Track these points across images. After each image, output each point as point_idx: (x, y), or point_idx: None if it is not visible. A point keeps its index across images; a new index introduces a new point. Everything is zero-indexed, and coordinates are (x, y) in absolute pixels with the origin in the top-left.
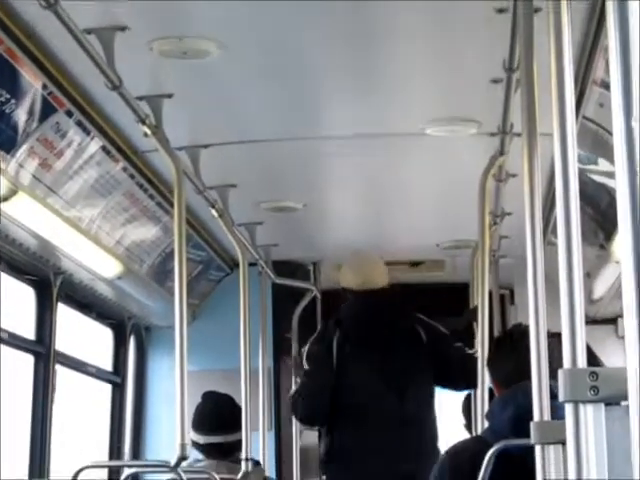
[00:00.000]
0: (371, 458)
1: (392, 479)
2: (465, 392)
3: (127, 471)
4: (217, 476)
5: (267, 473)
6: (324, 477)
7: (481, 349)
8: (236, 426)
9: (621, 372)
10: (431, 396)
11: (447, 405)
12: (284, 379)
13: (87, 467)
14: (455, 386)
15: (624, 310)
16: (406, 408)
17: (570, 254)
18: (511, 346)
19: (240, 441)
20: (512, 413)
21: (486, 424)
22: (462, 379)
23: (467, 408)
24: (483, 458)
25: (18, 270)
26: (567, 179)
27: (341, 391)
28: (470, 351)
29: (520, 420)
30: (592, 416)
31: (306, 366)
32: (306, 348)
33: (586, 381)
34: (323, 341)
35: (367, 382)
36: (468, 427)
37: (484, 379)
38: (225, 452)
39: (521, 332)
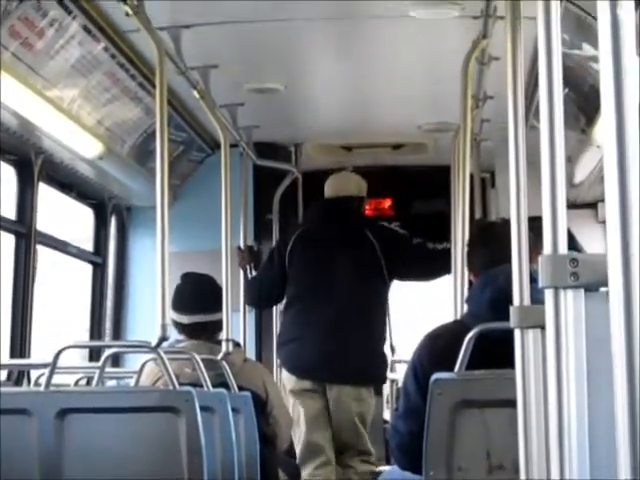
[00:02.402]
0: (315, 346)
1: (331, 366)
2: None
3: (108, 351)
4: (197, 356)
5: (247, 354)
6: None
7: (461, 232)
8: (216, 306)
9: (601, 258)
10: (379, 295)
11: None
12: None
13: (68, 347)
14: (425, 277)
15: (605, 196)
16: (353, 304)
17: (552, 137)
18: (488, 236)
19: (220, 321)
20: (490, 295)
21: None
22: (426, 274)
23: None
24: (462, 341)
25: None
26: (550, 62)
27: (293, 283)
28: (439, 246)
29: (498, 302)
30: (572, 302)
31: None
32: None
33: (566, 267)
34: (281, 242)
35: (314, 278)
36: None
37: (464, 264)
38: (205, 332)
39: (498, 223)
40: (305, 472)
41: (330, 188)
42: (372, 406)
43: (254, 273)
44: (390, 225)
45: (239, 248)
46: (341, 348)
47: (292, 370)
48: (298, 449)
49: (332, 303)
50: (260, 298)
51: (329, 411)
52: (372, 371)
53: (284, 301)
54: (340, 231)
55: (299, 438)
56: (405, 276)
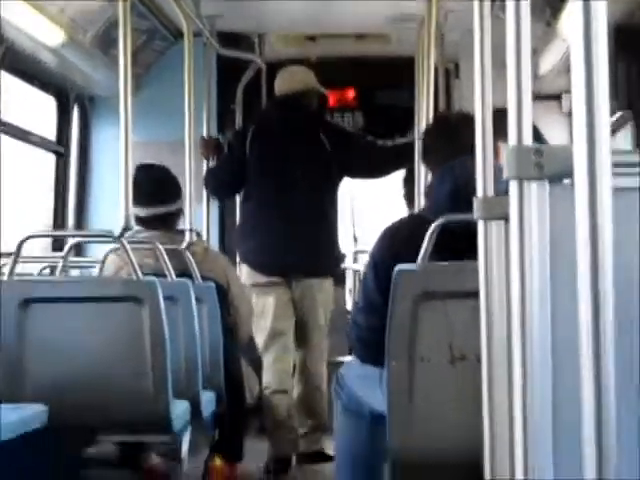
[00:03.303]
0: (274, 241)
1: (293, 260)
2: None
3: (71, 241)
4: (161, 246)
5: (210, 245)
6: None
7: (425, 124)
8: (173, 197)
9: (566, 150)
10: (330, 191)
11: (386, 182)
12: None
13: (31, 237)
14: (372, 175)
15: (572, 87)
16: (306, 199)
17: (518, 28)
18: (444, 129)
19: (179, 212)
20: (450, 187)
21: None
22: (374, 171)
23: (407, 179)
24: (421, 234)
25: None
26: None
27: (250, 176)
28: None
29: (458, 194)
30: (536, 193)
31: (225, 151)
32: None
33: (531, 158)
34: (240, 135)
35: (269, 174)
36: (407, 198)
37: None
38: (164, 223)
39: (454, 116)
40: (267, 357)
41: (279, 83)
42: (331, 295)
43: (211, 161)
44: (353, 116)
45: (202, 138)
46: (299, 242)
47: (255, 266)
48: (261, 338)
49: (287, 199)
50: (221, 187)
51: (294, 303)
52: (329, 262)
53: (242, 193)
54: (293, 129)
55: (263, 327)
56: (354, 173)
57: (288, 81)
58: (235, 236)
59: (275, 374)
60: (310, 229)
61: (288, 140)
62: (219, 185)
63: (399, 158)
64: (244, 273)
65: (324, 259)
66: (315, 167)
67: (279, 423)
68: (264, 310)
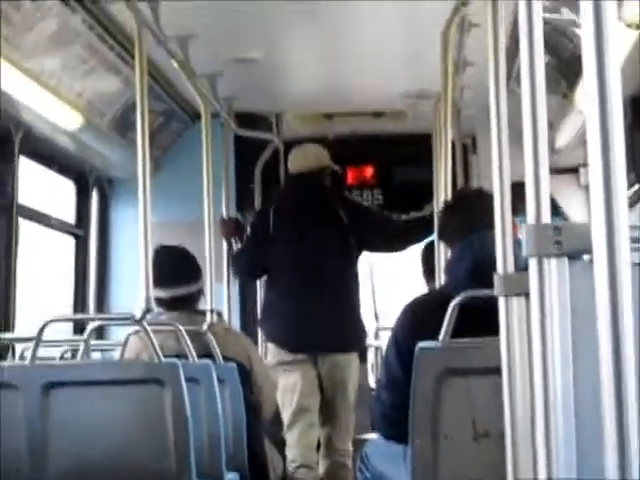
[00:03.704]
0: (293, 320)
1: (318, 337)
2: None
3: (92, 324)
4: (182, 328)
5: (231, 325)
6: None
7: (444, 199)
8: (193, 278)
9: (584, 227)
10: (351, 266)
11: (406, 257)
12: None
13: (52, 321)
14: (387, 249)
15: (589, 162)
16: (328, 276)
17: (534, 102)
18: (461, 205)
19: (199, 292)
20: (469, 262)
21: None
22: (389, 245)
23: (426, 256)
24: (442, 310)
25: None
26: (531, 27)
27: (272, 258)
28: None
29: (477, 269)
30: (556, 270)
31: (248, 233)
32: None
33: (550, 236)
34: (262, 216)
35: (290, 253)
36: (427, 274)
37: None
38: (186, 303)
39: (471, 193)
40: (293, 432)
41: (292, 162)
42: (357, 372)
43: (239, 244)
44: (372, 193)
45: (222, 219)
46: (323, 319)
47: (280, 344)
48: (287, 414)
49: (309, 277)
50: (249, 269)
51: (320, 380)
52: (355, 338)
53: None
54: (310, 207)
55: (289, 404)
56: (371, 247)
57: (300, 159)
58: (261, 315)
59: (300, 449)
60: (334, 306)
61: (306, 218)
62: (248, 268)
63: (413, 232)
64: (270, 352)
65: (349, 335)
66: (334, 243)
67: None
68: (290, 387)
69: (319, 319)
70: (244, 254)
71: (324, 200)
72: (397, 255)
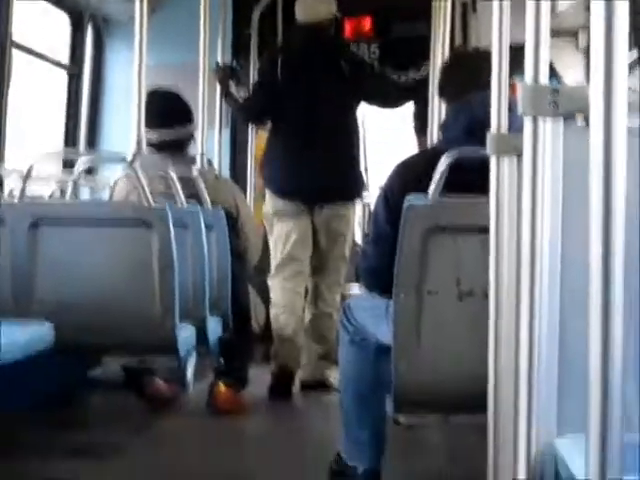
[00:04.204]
0: (299, 168)
1: (317, 187)
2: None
3: (82, 162)
4: (172, 172)
5: (222, 171)
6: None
7: (441, 57)
8: (186, 120)
9: (582, 90)
10: (353, 119)
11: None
12: (242, 77)
13: (42, 157)
14: (383, 105)
15: (591, 23)
16: (332, 128)
17: None
18: (462, 64)
19: (191, 136)
20: (466, 121)
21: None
22: (386, 102)
23: (418, 111)
24: (435, 167)
25: None
26: None
27: (278, 109)
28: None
29: (474, 128)
30: (550, 129)
31: (256, 79)
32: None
33: (547, 96)
34: (271, 63)
35: (297, 104)
36: (418, 130)
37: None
38: (177, 147)
39: (472, 52)
40: (278, 277)
41: (302, 10)
42: (353, 223)
43: (233, 90)
44: (369, 47)
45: (217, 66)
46: (324, 169)
47: (279, 192)
48: (276, 262)
49: (314, 128)
50: (260, 115)
51: (315, 231)
52: (353, 187)
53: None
54: (317, 60)
55: (280, 252)
56: (368, 101)
57: (311, 8)
58: (262, 163)
59: (284, 293)
60: (334, 156)
61: (312, 69)
62: (256, 113)
63: (409, 92)
64: (267, 200)
65: (347, 185)
66: (338, 96)
67: (284, 339)
68: (284, 236)
69: (318, 168)
70: (254, 99)
71: (331, 53)
72: (389, 113)
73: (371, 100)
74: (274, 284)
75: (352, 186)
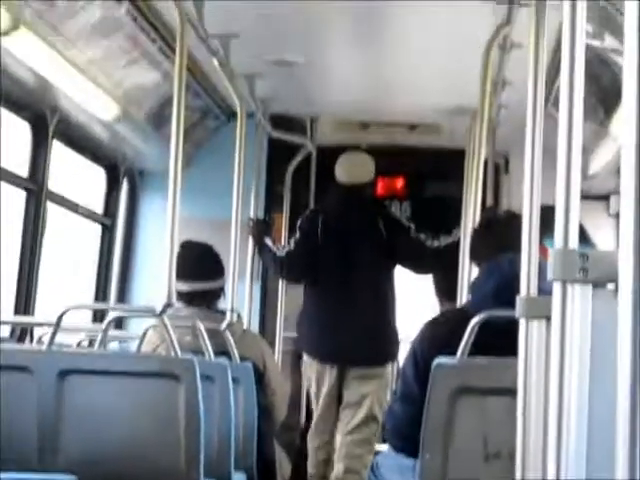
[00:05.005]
0: (326, 331)
1: (344, 349)
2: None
3: (111, 314)
4: (201, 325)
5: (251, 323)
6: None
7: (472, 217)
8: (216, 274)
9: (611, 256)
10: (389, 280)
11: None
12: (274, 232)
13: (72, 307)
14: (415, 271)
15: (621, 191)
16: (368, 290)
17: (570, 126)
18: (494, 226)
19: (219, 290)
20: (496, 282)
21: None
22: (417, 267)
23: (438, 276)
24: (464, 328)
25: (16, 107)
26: (573, 52)
27: (317, 264)
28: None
29: (502, 291)
30: (579, 296)
31: (297, 235)
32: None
33: (576, 262)
34: (312, 222)
35: (333, 264)
36: (440, 294)
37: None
38: (205, 300)
39: (504, 215)
40: (311, 445)
41: (345, 172)
42: (387, 385)
43: (269, 242)
44: (401, 205)
45: (252, 219)
46: (356, 332)
47: (314, 354)
48: (312, 421)
49: (350, 290)
50: (303, 274)
51: (343, 389)
52: (389, 350)
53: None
54: (356, 220)
55: (313, 411)
56: (400, 264)
57: (352, 171)
58: (298, 320)
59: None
60: (369, 317)
61: (350, 229)
62: (299, 272)
63: (443, 259)
64: (304, 358)
65: (383, 347)
66: (375, 256)
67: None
68: (316, 395)
69: (352, 331)
70: (295, 258)
71: (369, 213)
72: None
73: (405, 263)
74: (310, 447)
75: (386, 348)
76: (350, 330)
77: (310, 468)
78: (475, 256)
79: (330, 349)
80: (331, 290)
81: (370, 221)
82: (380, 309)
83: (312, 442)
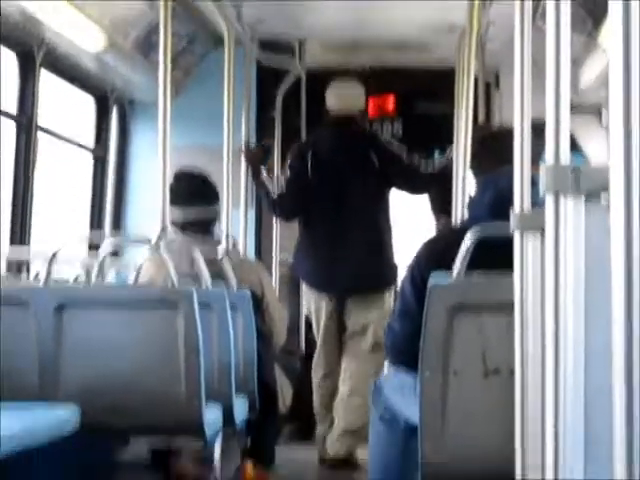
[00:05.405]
0: (323, 262)
1: (341, 278)
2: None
3: (107, 245)
4: (198, 254)
5: (247, 250)
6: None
7: (464, 134)
8: (212, 200)
9: (602, 170)
10: (384, 210)
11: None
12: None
13: (68, 243)
14: (411, 194)
15: (609, 103)
16: (363, 221)
17: (558, 39)
18: (493, 144)
19: (214, 217)
20: (492, 196)
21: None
22: (413, 191)
23: (437, 193)
24: (460, 243)
25: (2, 40)
26: None
27: (310, 200)
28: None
29: (500, 204)
30: (572, 208)
31: (288, 174)
32: (287, 160)
33: (568, 175)
34: (301, 157)
35: (327, 196)
36: (436, 210)
37: (466, 170)
38: (202, 227)
39: (504, 132)
40: (315, 377)
41: (336, 101)
42: (388, 310)
43: (265, 179)
44: (392, 125)
45: (247, 146)
46: (353, 261)
47: (313, 284)
48: (315, 354)
49: (344, 221)
50: (295, 212)
51: (344, 318)
52: (386, 278)
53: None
54: (347, 152)
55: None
56: (396, 188)
57: (340, 100)
58: (294, 252)
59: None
60: (364, 245)
61: (342, 161)
62: (292, 210)
63: (437, 181)
64: (304, 289)
65: (380, 274)
66: (366, 185)
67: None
68: (317, 315)
69: (348, 261)
70: (288, 199)
71: (360, 145)
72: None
73: (400, 188)
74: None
75: (383, 275)
76: (346, 260)
77: (316, 404)
78: (474, 170)
79: (327, 279)
80: (326, 222)
81: (362, 152)
82: (375, 239)
83: (316, 373)
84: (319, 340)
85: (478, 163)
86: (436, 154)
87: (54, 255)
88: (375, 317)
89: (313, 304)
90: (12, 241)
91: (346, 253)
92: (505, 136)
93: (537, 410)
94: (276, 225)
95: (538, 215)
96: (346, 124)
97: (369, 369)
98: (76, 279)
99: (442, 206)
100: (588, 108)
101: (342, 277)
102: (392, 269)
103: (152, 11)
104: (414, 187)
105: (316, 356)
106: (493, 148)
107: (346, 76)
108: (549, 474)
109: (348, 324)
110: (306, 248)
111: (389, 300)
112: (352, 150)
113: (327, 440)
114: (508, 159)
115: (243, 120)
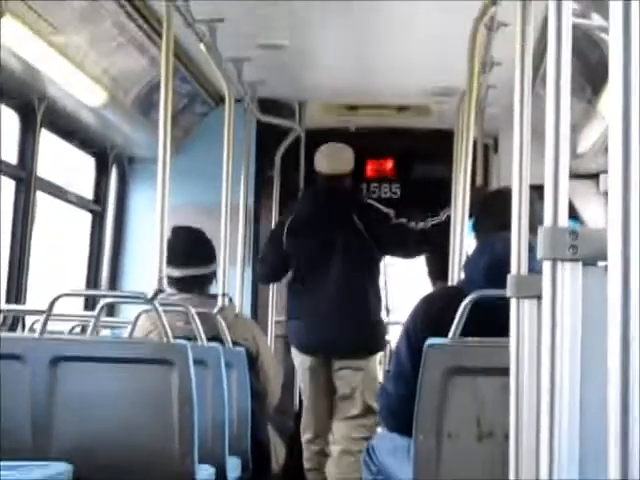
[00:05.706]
0: (315, 321)
1: (335, 343)
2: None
3: (103, 301)
4: (193, 310)
5: (243, 308)
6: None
7: (462, 198)
8: (207, 259)
9: (601, 233)
10: (370, 272)
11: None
12: (264, 217)
13: (64, 295)
14: (404, 257)
15: (608, 169)
16: (348, 284)
17: (558, 105)
18: (494, 204)
19: (211, 275)
20: (487, 261)
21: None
22: (405, 253)
23: (430, 257)
24: (456, 306)
25: (2, 95)
26: (560, 30)
27: (295, 263)
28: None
29: (495, 269)
30: (569, 274)
31: (267, 242)
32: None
33: (566, 240)
34: (281, 222)
35: (311, 260)
36: (432, 275)
37: (463, 233)
38: (197, 286)
39: (506, 191)
40: (303, 438)
41: (322, 163)
42: (375, 373)
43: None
44: (391, 187)
45: None
46: (342, 327)
47: (299, 347)
48: (303, 414)
49: (330, 284)
50: (273, 277)
51: (332, 382)
52: (373, 343)
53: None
54: (330, 215)
55: (304, 402)
56: (387, 253)
57: (327, 162)
58: (286, 313)
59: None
60: (349, 310)
61: (326, 228)
62: (269, 275)
63: (429, 241)
64: (292, 351)
65: (366, 339)
66: (352, 252)
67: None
68: (303, 388)
69: (333, 325)
70: (264, 262)
71: (342, 206)
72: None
73: (391, 251)
74: (303, 439)
75: (371, 342)
76: (331, 323)
77: (305, 462)
78: (475, 230)
79: (313, 342)
80: (310, 285)
81: (343, 214)
82: (360, 301)
83: (305, 434)
84: (305, 401)
85: (480, 224)
86: (429, 219)
87: (50, 306)
88: (360, 381)
89: (300, 366)
90: (8, 299)
91: (331, 317)
92: (506, 195)
93: (531, 475)
94: (273, 284)
95: (535, 281)
96: (332, 187)
97: (360, 433)
98: (71, 331)
99: (439, 270)
100: (586, 174)
101: (328, 340)
102: (379, 334)
103: (153, 69)
104: (405, 247)
105: (304, 417)
106: (494, 208)
107: (345, 136)
108: None
109: (338, 387)
110: (293, 311)
111: (375, 362)
112: (334, 212)
113: None
114: (509, 219)
115: (242, 178)
